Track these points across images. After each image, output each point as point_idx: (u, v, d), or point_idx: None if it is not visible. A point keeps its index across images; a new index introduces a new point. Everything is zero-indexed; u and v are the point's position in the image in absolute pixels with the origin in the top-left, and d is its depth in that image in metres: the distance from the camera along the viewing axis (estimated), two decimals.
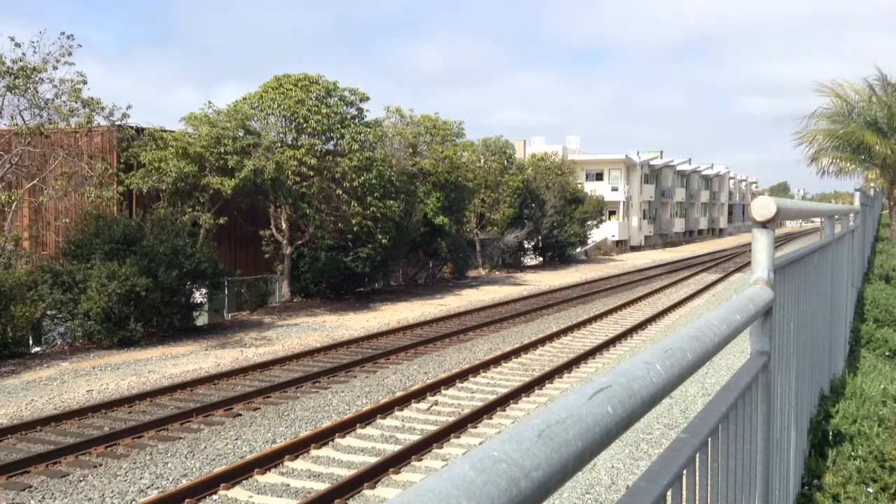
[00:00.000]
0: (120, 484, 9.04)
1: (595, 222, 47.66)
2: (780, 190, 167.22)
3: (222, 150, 22.44)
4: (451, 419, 11.33)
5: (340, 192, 24.57)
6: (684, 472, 1.56)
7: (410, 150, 31.01)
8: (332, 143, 25.25)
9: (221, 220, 22.59)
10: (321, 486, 8.81)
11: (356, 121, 25.56)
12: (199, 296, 20.94)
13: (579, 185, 49.50)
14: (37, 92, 19.01)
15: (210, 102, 23.82)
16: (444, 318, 22.19)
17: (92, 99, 19.55)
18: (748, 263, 5.02)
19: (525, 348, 17.14)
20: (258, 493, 8.75)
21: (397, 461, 9.55)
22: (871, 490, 4.10)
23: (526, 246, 42.91)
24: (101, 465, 9.69)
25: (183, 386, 13.61)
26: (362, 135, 25.10)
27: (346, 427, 11.01)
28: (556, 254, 45.10)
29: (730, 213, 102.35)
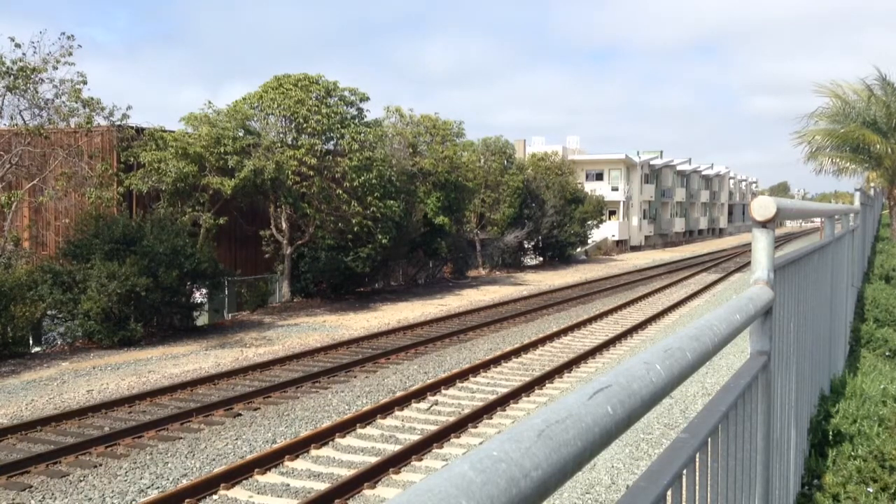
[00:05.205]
0: (120, 484, 9.04)
1: (595, 222, 47.65)
2: (781, 190, 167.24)
3: (222, 150, 22.44)
4: (452, 419, 11.33)
5: (340, 192, 24.58)
6: (684, 472, 1.57)
7: (410, 150, 31.00)
8: (332, 143, 25.26)
9: (221, 220, 22.59)
10: (321, 486, 8.81)
11: (356, 121, 25.58)
12: (199, 296, 20.94)
13: (579, 185, 49.48)
14: (37, 92, 19.04)
15: (210, 102, 23.86)
16: (445, 317, 22.19)
17: (92, 99, 19.58)
18: (748, 263, 5.02)
19: (525, 348, 17.14)
20: (258, 493, 8.75)
21: (397, 461, 9.55)
22: (871, 490, 4.10)
23: (526, 246, 42.90)
24: (101, 465, 9.69)
25: (183, 386, 13.62)
26: (362, 135, 25.11)
27: (346, 427, 11.01)
28: (556, 254, 45.09)
29: (730, 213, 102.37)
